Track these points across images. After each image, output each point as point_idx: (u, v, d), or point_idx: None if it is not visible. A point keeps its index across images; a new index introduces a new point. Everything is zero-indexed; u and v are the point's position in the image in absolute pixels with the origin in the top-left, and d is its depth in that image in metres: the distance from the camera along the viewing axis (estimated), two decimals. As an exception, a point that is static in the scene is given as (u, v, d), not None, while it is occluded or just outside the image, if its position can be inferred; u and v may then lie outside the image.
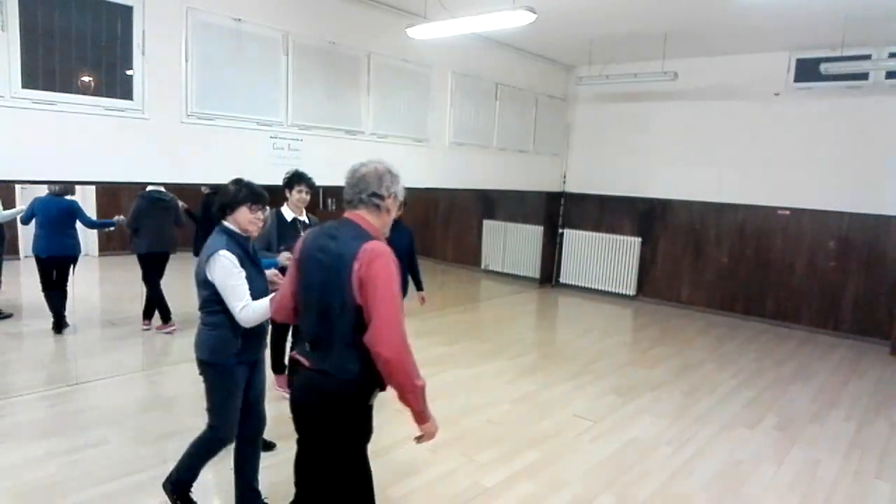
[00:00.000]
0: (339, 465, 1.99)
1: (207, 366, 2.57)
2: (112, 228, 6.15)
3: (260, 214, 2.59)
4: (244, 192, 2.55)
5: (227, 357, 2.55)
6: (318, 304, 1.94)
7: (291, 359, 2.08)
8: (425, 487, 3.16)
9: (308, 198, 3.91)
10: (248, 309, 2.42)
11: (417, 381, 1.88)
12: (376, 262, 1.85)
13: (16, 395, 4.12)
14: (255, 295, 2.47)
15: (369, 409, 1.99)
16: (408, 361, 1.86)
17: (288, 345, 4.13)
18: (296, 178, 3.88)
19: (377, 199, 1.97)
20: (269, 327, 2.85)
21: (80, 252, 5.63)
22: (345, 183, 2.02)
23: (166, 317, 5.69)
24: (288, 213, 3.89)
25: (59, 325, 5.54)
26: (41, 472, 3.12)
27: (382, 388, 1.97)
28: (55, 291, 5.54)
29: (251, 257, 2.59)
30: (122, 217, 5.66)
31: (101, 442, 3.47)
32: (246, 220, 2.55)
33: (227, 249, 2.46)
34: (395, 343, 1.83)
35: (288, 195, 3.91)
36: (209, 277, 2.46)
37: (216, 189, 5.99)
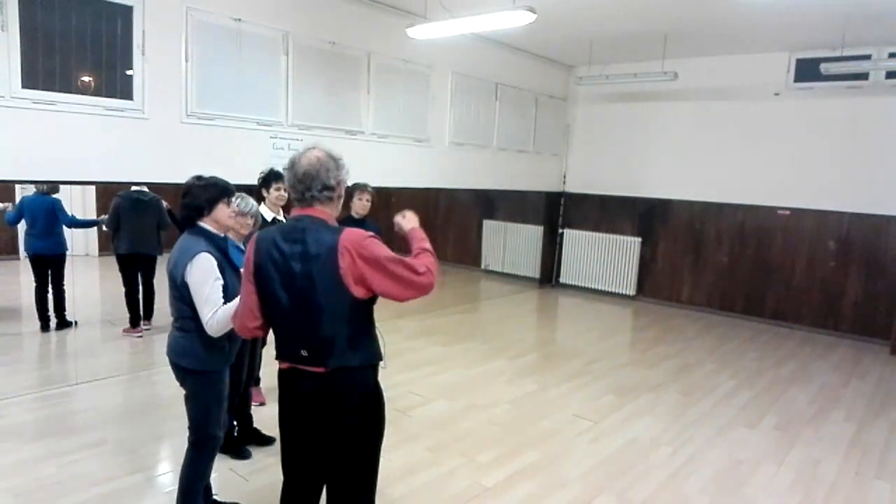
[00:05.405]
0: (369, 451, 2.01)
1: (196, 374, 2.44)
2: (95, 227, 6.14)
3: (235, 206, 2.55)
4: (219, 188, 2.45)
5: (218, 364, 2.48)
6: (308, 315, 1.87)
7: (288, 369, 1.97)
8: (425, 487, 3.16)
9: (286, 195, 3.73)
10: (215, 319, 2.28)
11: (434, 271, 1.94)
12: (365, 245, 1.84)
13: (15, 396, 4.11)
14: (232, 300, 2.31)
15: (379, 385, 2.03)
16: (433, 279, 1.91)
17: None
18: (273, 176, 3.75)
19: (329, 193, 1.92)
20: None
21: (64, 250, 5.59)
22: (287, 179, 1.95)
23: (136, 320, 5.63)
24: (267, 212, 3.73)
25: (46, 324, 5.56)
26: (41, 472, 3.11)
27: (381, 358, 2.01)
28: (47, 291, 5.54)
29: (229, 260, 2.46)
30: (106, 216, 5.62)
31: (101, 443, 3.47)
32: (226, 215, 2.48)
33: (208, 252, 2.36)
34: (424, 285, 1.88)
35: (266, 194, 3.78)
36: (188, 280, 2.33)
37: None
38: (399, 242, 2.19)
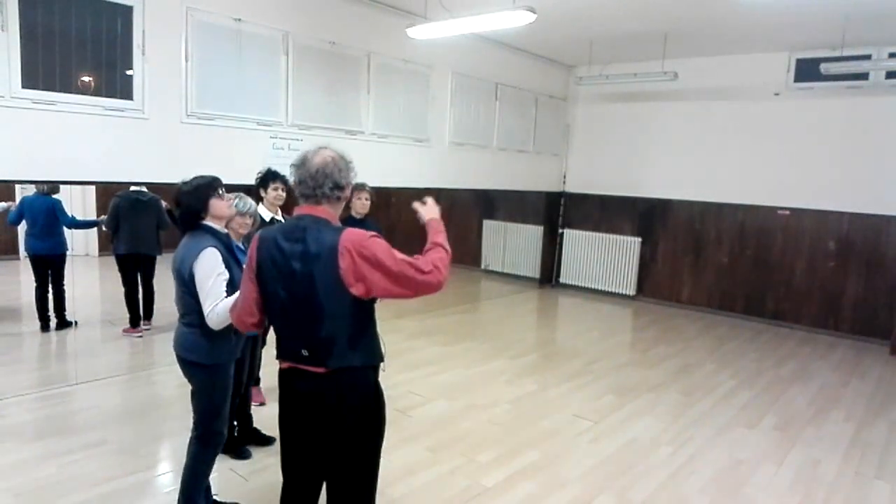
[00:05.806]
0: (369, 451, 2.01)
1: (204, 368, 2.49)
2: (95, 227, 6.14)
3: (234, 205, 2.59)
4: (205, 186, 2.48)
5: (224, 357, 2.52)
6: (308, 315, 1.87)
7: (289, 369, 1.98)
8: (425, 487, 3.16)
9: (284, 195, 3.79)
10: (215, 312, 2.34)
11: (443, 268, 1.91)
12: (367, 245, 1.83)
13: (15, 396, 4.11)
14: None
15: (380, 385, 2.02)
16: (441, 278, 1.87)
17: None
18: (270, 177, 3.78)
19: (339, 192, 1.93)
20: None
21: (65, 250, 5.59)
22: (296, 175, 1.94)
23: (135, 320, 5.63)
24: (265, 212, 3.75)
25: (46, 324, 5.56)
26: (40, 472, 3.12)
27: (381, 359, 2.00)
28: (47, 291, 5.54)
29: (234, 255, 2.52)
30: (106, 217, 5.61)
31: (101, 442, 3.47)
32: (223, 206, 2.52)
33: (215, 247, 2.41)
34: (430, 283, 1.85)
35: (263, 194, 3.79)
36: (195, 273, 2.38)
37: None
38: (401, 241, 2.18)
